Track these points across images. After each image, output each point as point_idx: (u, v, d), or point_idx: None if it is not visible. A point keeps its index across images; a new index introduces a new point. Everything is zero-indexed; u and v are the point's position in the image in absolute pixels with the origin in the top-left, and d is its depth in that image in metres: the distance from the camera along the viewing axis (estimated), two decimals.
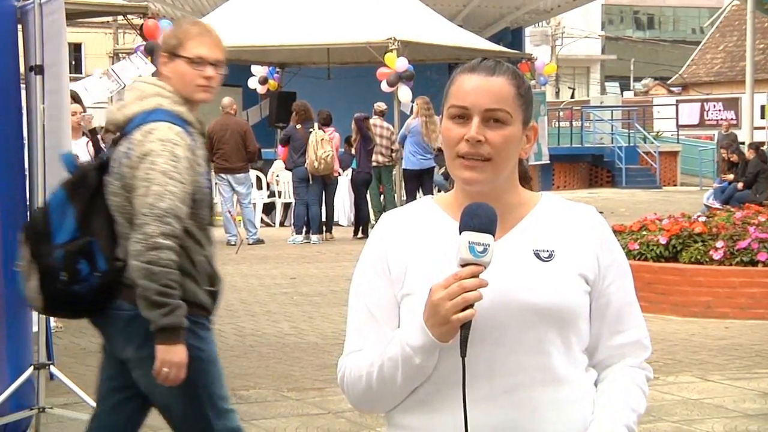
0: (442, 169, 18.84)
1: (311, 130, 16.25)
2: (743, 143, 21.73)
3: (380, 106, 18.29)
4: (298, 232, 16.82)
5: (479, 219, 2.10)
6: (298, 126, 16.54)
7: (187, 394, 3.77)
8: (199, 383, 3.77)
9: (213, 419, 3.81)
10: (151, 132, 3.69)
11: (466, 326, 2.09)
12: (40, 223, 3.82)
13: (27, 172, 5.99)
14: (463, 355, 2.09)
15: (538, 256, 2.24)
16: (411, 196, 17.25)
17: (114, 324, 3.80)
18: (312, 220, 16.78)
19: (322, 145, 16.09)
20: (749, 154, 19.82)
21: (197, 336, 3.75)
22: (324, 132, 16.34)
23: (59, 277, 3.71)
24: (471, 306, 2.07)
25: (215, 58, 3.80)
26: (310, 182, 16.44)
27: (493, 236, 2.10)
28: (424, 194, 16.74)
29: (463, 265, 2.09)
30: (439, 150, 18.12)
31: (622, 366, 2.30)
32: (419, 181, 17.52)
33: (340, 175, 17.69)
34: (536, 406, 2.19)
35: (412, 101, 18.03)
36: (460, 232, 2.11)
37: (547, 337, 2.20)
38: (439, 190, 17.93)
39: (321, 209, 16.90)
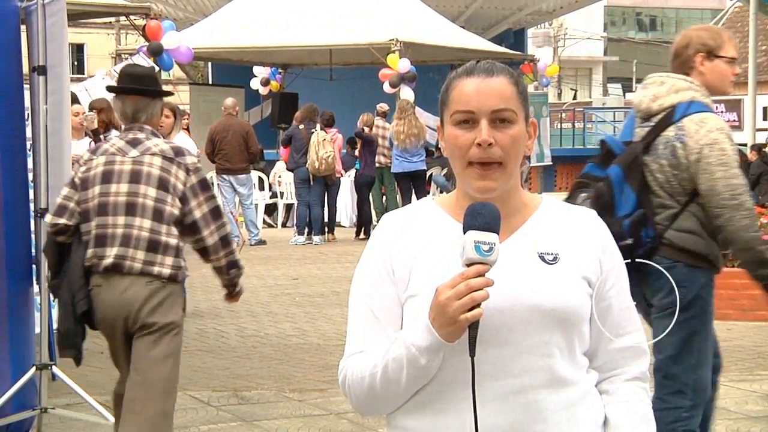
0: (444, 170, 18.84)
1: (313, 130, 16.25)
2: (745, 145, 21.70)
3: (383, 107, 18.30)
4: (300, 233, 16.82)
5: (483, 218, 2.10)
6: (301, 126, 16.55)
7: (697, 342, 4.44)
8: (703, 335, 4.45)
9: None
10: (703, 122, 4.39)
11: (474, 326, 2.08)
12: (607, 196, 4.46)
13: (30, 173, 5.99)
14: (473, 354, 2.09)
15: (543, 258, 2.24)
16: (406, 198, 17.23)
17: (650, 274, 4.42)
18: (314, 221, 16.78)
19: (324, 145, 16.08)
20: (751, 156, 19.81)
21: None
22: (326, 133, 16.34)
23: (626, 243, 4.31)
24: (478, 305, 2.07)
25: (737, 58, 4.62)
26: (312, 183, 16.43)
27: (498, 235, 2.10)
28: (418, 196, 16.72)
29: (468, 265, 2.08)
30: (439, 150, 18.13)
31: (626, 381, 2.31)
32: (411, 183, 17.45)
33: (342, 176, 17.69)
34: (542, 408, 2.19)
35: (415, 102, 18.03)
36: (465, 232, 2.10)
37: (552, 340, 2.20)
38: (441, 191, 17.92)
39: (323, 210, 16.90)
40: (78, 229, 4.80)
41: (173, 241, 4.69)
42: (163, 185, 4.71)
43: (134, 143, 4.80)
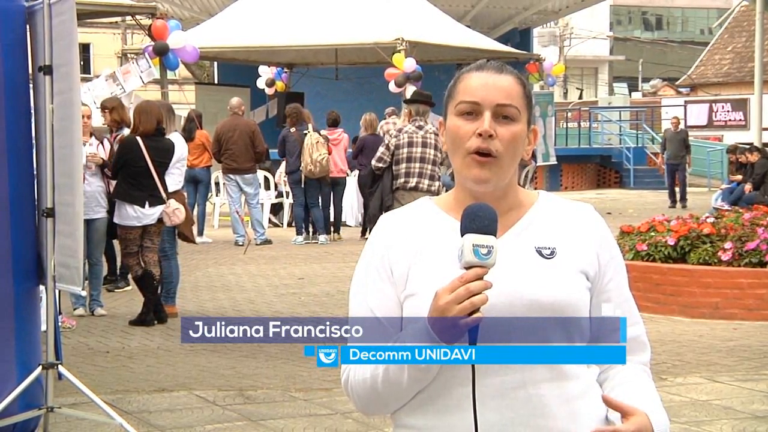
0: (450, 170, 18.84)
1: (306, 132, 16.09)
2: (745, 145, 21.65)
3: (389, 111, 18.39)
4: (299, 233, 16.78)
5: (481, 220, 2.11)
6: (292, 129, 16.37)
7: None
8: None
9: None
10: None
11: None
12: None
13: (35, 172, 5.99)
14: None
15: (540, 253, 2.25)
16: None
17: None
18: (316, 220, 16.73)
19: (317, 148, 15.94)
20: (752, 157, 19.79)
21: None
22: (319, 134, 16.18)
23: None
24: (477, 309, 2.07)
25: None
26: (304, 185, 16.28)
27: (495, 237, 2.11)
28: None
29: (467, 268, 2.08)
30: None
31: (631, 364, 2.29)
32: None
33: (348, 176, 17.66)
34: (545, 402, 2.20)
35: None
36: (462, 235, 2.10)
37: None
38: (447, 191, 17.86)
39: (329, 210, 16.85)
40: (388, 168, 10.14)
41: (439, 174, 10.27)
42: (435, 147, 10.19)
43: (420, 128, 10.26)
